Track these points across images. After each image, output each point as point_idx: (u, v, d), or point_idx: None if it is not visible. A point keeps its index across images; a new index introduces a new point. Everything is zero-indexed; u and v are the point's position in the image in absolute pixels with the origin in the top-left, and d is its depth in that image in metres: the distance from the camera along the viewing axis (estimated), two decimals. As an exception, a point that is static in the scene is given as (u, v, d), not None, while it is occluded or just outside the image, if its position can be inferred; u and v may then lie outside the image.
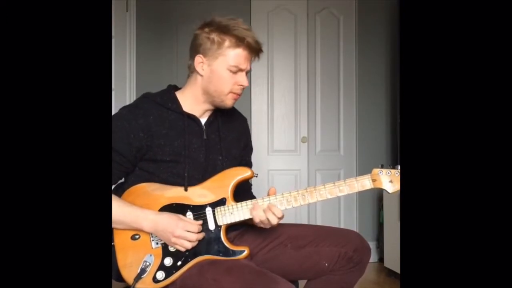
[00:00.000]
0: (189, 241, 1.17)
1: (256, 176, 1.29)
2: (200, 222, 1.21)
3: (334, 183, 1.24)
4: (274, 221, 1.20)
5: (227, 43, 1.23)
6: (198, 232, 1.19)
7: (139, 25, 2.88)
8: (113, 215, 1.16)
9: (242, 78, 1.27)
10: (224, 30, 1.24)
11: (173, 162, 1.25)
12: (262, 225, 1.24)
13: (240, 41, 1.23)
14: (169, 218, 1.19)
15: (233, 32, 1.23)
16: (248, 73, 1.30)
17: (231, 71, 1.25)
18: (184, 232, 1.16)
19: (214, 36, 1.24)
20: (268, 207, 1.21)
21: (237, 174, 1.27)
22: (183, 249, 1.19)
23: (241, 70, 1.26)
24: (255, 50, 1.27)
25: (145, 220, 1.19)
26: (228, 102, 1.29)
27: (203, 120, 1.33)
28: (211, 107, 1.32)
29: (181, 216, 1.20)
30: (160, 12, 2.97)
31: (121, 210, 1.19)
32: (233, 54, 1.24)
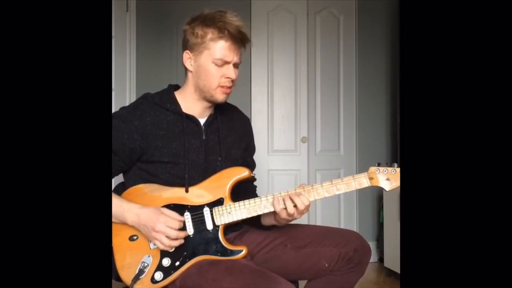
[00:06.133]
0: (169, 237, 1.15)
1: (254, 177, 1.28)
2: (182, 218, 1.19)
3: (331, 181, 1.23)
4: (291, 210, 1.18)
5: (209, 35, 1.21)
6: (180, 229, 1.17)
7: (139, 25, 2.88)
8: None
9: (228, 71, 1.24)
10: (207, 22, 1.21)
11: (171, 163, 1.24)
12: (282, 219, 1.22)
13: (221, 32, 1.20)
14: (152, 213, 1.17)
15: (216, 24, 1.20)
16: (238, 65, 1.26)
17: (216, 64, 1.22)
18: (164, 227, 1.15)
19: (198, 30, 1.22)
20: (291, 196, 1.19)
21: (235, 174, 1.26)
22: (162, 246, 1.17)
23: (227, 62, 1.23)
24: (239, 40, 1.23)
25: (129, 212, 1.18)
26: (218, 96, 1.26)
27: (203, 120, 1.31)
28: (207, 104, 1.30)
29: (164, 209, 1.18)
30: (160, 12, 2.97)
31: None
32: (216, 47, 1.21)
